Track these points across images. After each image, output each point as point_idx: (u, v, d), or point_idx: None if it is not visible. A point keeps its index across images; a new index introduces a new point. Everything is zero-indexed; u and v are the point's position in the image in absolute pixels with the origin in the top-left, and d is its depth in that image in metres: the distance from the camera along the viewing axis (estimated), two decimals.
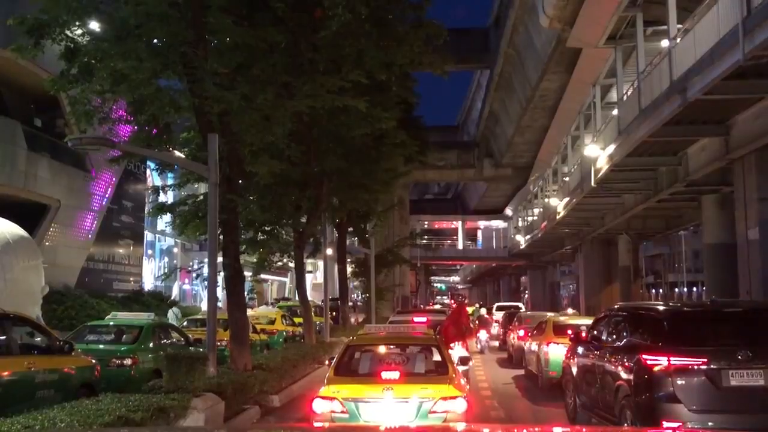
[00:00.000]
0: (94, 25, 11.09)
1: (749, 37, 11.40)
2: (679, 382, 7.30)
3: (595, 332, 9.84)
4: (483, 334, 21.79)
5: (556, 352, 13.46)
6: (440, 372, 8.11)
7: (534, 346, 15.36)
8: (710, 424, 7.22)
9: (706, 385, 7.26)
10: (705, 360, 7.29)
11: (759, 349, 7.35)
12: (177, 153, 14.27)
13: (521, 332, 18.47)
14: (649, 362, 7.52)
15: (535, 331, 16.21)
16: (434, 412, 7.22)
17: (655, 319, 8.22)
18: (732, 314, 8.45)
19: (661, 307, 8.76)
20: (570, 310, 28.05)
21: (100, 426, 5.97)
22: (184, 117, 12.79)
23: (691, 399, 7.26)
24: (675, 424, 7.15)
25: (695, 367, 7.31)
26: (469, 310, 28.91)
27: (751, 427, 7.11)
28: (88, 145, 10.36)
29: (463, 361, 10.52)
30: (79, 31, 10.90)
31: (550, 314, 19.28)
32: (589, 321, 14.44)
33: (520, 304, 41.41)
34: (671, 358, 7.36)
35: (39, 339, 9.76)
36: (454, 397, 7.33)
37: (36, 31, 10.06)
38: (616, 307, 10.62)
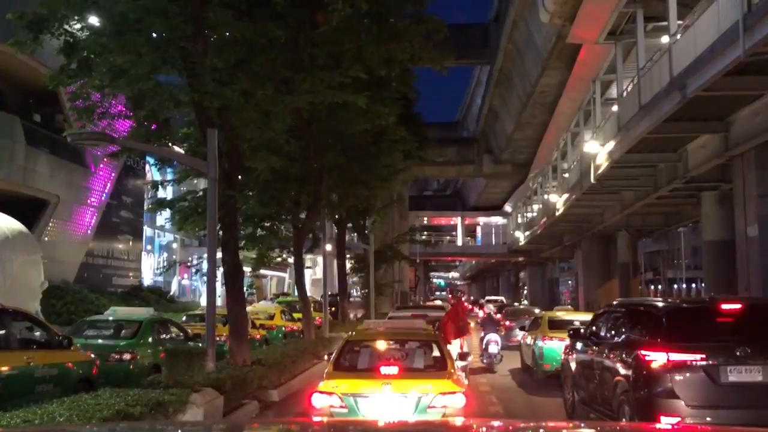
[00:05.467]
0: (93, 20, 11.05)
1: (749, 33, 11.40)
2: (677, 377, 7.32)
3: (594, 328, 9.86)
4: (493, 347, 16.37)
5: (551, 346, 14.15)
6: (439, 367, 8.13)
7: (529, 341, 15.81)
8: (708, 419, 7.23)
9: (704, 380, 7.27)
10: (703, 356, 7.30)
11: (757, 345, 7.39)
12: (176, 148, 14.26)
13: (507, 322, 22.50)
14: (647, 358, 7.53)
15: (531, 326, 16.75)
16: (433, 407, 7.24)
17: (653, 315, 8.24)
18: (730, 311, 8.38)
19: (659, 304, 8.75)
20: (569, 306, 28.76)
21: (98, 420, 5.97)
22: (184, 112, 12.78)
23: (689, 395, 7.28)
24: (673, 420, 7.17)
25: (693, 363, 7.31)
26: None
27: (750, 423, 7.05)
28: (87, 141, 10.35)
29: (462, 356, 10.54)
30: (78, 26, 10.87)
31: (535, 309, 23.68)
32: (582, 316, 15.68)
33: (503, 298, 52.39)
34: (670, 354, 7.37)
35: (38, 334, 9.76)
36: (453, 393, 7.34)
37: (35, 25, 10.03)
38: (614, 303, 10.64)
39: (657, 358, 7.43)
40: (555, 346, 13.94)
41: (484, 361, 16.39)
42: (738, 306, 8.53)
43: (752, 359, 7.29)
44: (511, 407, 11.48)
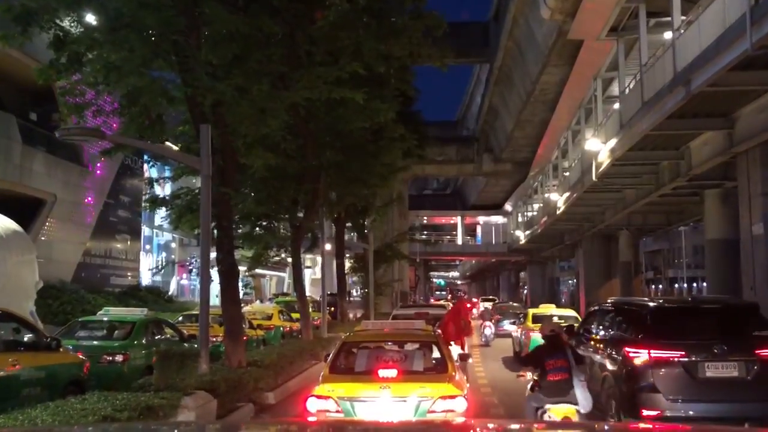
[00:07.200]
0: (85, 15, 10.78)
1: (757, 26, 11.15)
2: (658, 373, 7.92)
3: (586, 325, 10.61)
4: (487, 330, 25.17)
5: (533, 337, 16.00)
6: (439, 370, 7.86)
7: (517, 333, 18.97)
8: (690, 413, 7.77)
9: (683, 376, 7.86)
10: (683, 353, 7.91)
11: (733, 342, 7.97)
12: (171, 145, 14.02)
13: (496, 315, 28.35)
14: (631, 354, 8.14)
15: (520, 321, 20.24)
16: (433, 411, 6.98)
17: (638, 313, 8.89)
18: (709, 310, 9.12)
19: (645, 303, 9.33)
20: (552, 305, 30.58)
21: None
22: (179, 110, 12.52)
23: (669, 389, 7.86)
24: (654, 413, 7.78)
25: (674, 359, 7.90)
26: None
27: (725, 416, 7.69)
28: (78, 136, 10.09)
29: (463, 357, 10.30)
30: (69, 20, 10.60)
31: (517, 305, 33.62)
32: (561, 312, 18.98)
33: (496, 298, 60.45)
34: (651, 351, 7.96)
35: (25, 335, 9.51)
36: (454, 396, 7.09)
37: (22, 18, 9.76)
38: (608, 301, 11.18)
39: (640, 355, 8.04)
40: (537, 337, 16.24)
41: (482, 340, 24.06)
42: (716, 306, 9.38)
43: (729, 356, 7.82)
44: (514, 412, 11.23)
